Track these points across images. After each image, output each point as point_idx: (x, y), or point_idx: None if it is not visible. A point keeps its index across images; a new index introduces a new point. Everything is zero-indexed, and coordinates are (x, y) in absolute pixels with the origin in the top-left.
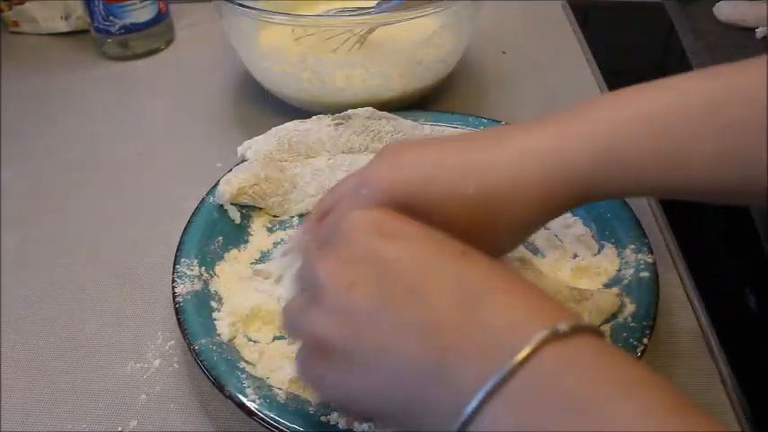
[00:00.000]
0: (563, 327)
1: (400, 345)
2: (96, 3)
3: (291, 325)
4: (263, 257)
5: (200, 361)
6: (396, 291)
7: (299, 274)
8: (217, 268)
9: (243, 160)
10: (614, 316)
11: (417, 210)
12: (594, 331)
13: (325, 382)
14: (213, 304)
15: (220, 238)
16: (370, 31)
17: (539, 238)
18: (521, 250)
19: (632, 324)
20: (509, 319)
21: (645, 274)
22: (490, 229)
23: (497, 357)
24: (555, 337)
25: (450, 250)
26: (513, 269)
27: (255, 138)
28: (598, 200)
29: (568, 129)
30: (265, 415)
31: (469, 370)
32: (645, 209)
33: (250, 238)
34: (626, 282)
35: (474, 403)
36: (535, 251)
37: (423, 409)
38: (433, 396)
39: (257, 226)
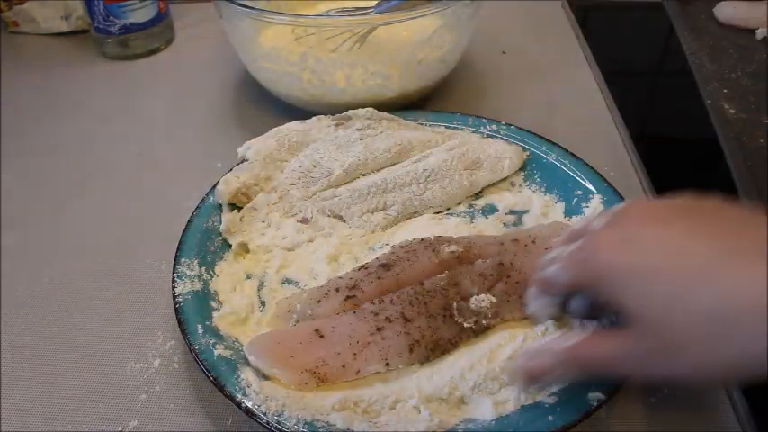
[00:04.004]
0: None
1: None
2: (96, 3)
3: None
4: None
5: (201, 361)
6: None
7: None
8: (217, 268)
9: (243, 160)
10: None
11: (620, 300)
12: None
13: None
14: (213, 304)
15: (220, 238)
16: (370, 30)
17: None
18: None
19: None
20: None
21: None
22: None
23: None
24: None
25: None
26: None
27: (255, 138)
28: None
29: None
30: (265, 414)
31: None
32: None
33: None
34: None
35: None
36: None
37: None
38: None
39: None
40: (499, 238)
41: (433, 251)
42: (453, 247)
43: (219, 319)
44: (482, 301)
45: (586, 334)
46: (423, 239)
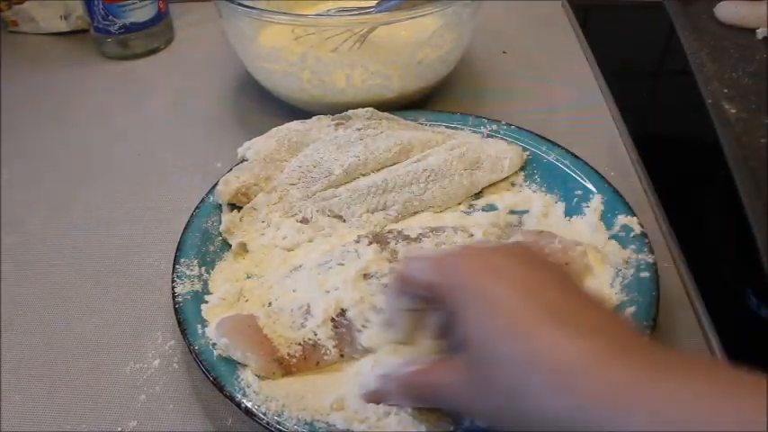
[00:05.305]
0: None
1: None
2: (96, 2)
3: None
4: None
5: (200, 361)
6: None
7: None
8: (217, 268)
9: (243, 160)
10: None
11: (459, 319)
12: None
13: None
14: None
15: (220, 238)
16: (370, 30)
17: None
18: None
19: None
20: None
21: (645, 273)
22: None
23: None
24: None
25: None
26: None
27: (255, 138)
28: None
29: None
30: (265, 415)
31: None
32: (645, 209)
33: None
34: (626, 282)
35: None
36: None
37: None
38: None
39: None
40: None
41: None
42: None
43: (209, 312)
44: None
45: (426, 363)
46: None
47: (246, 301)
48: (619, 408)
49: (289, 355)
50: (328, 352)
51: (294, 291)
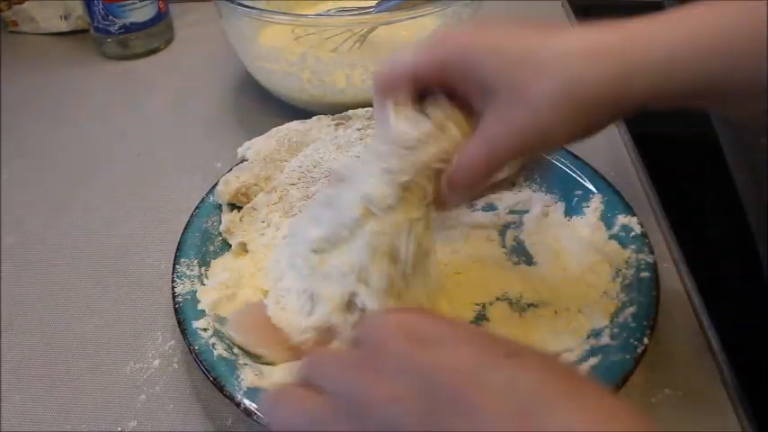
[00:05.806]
0: None
1: None
2: (96, 2)
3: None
4: None
5: (200, 361)
6: (441, 406)
7: (313, 372)
8: (213, 263)
9: (243, 160)
10: (615, 315)
11: (478, 75)
12: None
13: None
14: None
15: (220, 238)
16: (370, 30)
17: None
18: None
19: (632, 324)
20: (575, 427)
21: (645, 274)
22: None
23: None
24: None
25: (497, 352)
26: (571, 367)
27: (255, 138)
28: (660, 103)
29: (635, 30)
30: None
31: None
32: (646, 209)
33: None
34: (626, 282)
35: None
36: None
37: None
38: None
39: None
40: None
41: None
42: None
43: (204, 293)
44: None
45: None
46: None
47: (243, 287)
48: None
49: (301, 342)
50: (342, 334)
51: (278, 261)
